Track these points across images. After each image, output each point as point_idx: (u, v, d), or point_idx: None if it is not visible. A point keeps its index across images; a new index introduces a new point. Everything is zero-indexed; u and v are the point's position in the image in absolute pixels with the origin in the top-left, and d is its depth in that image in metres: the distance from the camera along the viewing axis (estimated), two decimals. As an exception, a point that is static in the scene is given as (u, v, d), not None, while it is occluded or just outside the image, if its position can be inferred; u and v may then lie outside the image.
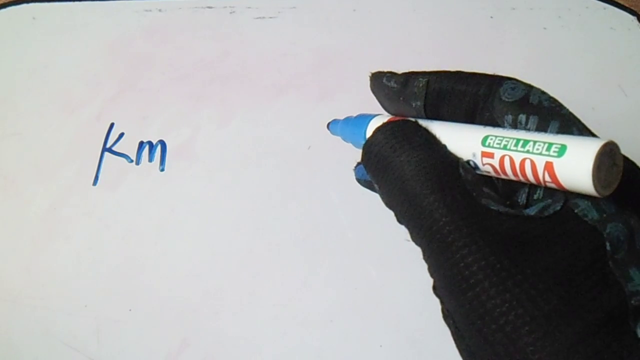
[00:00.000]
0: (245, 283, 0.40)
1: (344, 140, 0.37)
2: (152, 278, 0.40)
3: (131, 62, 0.50)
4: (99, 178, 0.44)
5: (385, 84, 0.28)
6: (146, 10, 0.53)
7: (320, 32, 0.52)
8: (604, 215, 0.22)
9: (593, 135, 0.23)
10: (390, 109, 0.30)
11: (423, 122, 0.27)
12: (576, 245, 0.22)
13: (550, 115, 0.24)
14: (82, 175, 0.44)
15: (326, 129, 0.38)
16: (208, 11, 0.54)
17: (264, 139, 0.46)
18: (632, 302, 0.21)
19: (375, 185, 0.28)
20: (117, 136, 0.46)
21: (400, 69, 0.29)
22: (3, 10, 0.53)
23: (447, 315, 0.25)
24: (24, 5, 0.54)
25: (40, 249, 0.41)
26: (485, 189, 0.24)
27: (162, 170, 0.45)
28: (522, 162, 0.22)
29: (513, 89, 0.25)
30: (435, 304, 0.28)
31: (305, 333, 0.38)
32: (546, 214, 0.23)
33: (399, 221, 0.26)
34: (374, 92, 0.30)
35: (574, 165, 0.21)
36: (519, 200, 0.25)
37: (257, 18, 0.53)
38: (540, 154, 0.22)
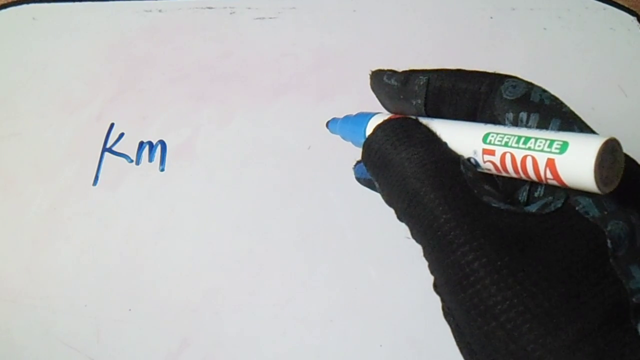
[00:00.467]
0: (245, 283, 0.40)
1: (344, 139, 0.37)
2: (152, 278, 0.40)
3: (131, 63, 0.50)
4: (99, 178, 0.44)
5: (386, 82, 0.28)
6: (146, 11, 0.53)
7: (320, 32, 0.52)
8: (605, 212, 0.22)
9: (594, 133, 0.23)
10: (391, 107, 0.30)
11: (423, 120, 0.27)
12: (577, 243, 0.22)
13: (551, 113, 0.24)
14: (82, 175, 0.44)
15: (326, 129, 0.38)
16: (208, 12, 0.54)
17: (264, 139, 0.46)
18: (634, 299, 0.21)
19: (376, 183, 0.28)
20: (117, 136, 0.46)
21: (400, 68, 0.29)
22: (3, 10, 0.53)
23: (448, 313, 0.25)
24: (24, 6, 0.54)
25: (40, 249, 0.41)
26: (487, 187, 0.24)
27: (162, 170, 0.45)
28: (524, 159, 0.22)
29: (514, 86, 0.25)
30: (434, 304, 0.28)
31: (305, 333, 0.38)
32: (547, 211, 0.23)
33: (399, 218, 0.26)
34: (374, 90, 0.30)
35: (575, 162, 0.21)
36: (520, 198, 0.25)
37: (257, 18, 0.53)
38: (542, 150, 0.22)
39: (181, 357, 0.38)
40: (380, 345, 0.38)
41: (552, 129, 0.23)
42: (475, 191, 0.23)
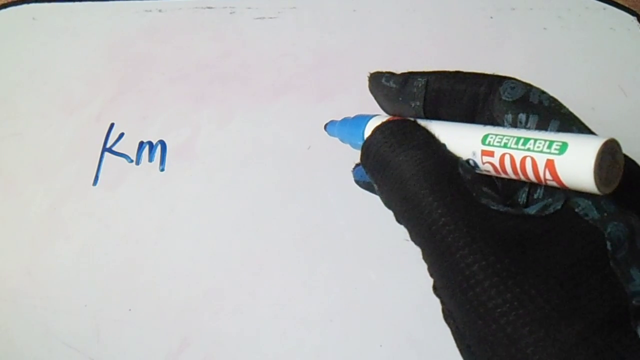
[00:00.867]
0: (245, 283, 0.40)
1: (342, 142, 0.37)
2: (152, 278, 0.40)
3: (131, 63, 0.50)
4: (99, 178, 0.44)
5: (384, 84, 0.28)
6: (146, 11, 0.53)
7: (320, 32, 0.52)
8: (605, 214, 0.22)
9: (593, 134, 0.23)
10: (389, 109, 0.30)
11: (422, 122, 0.27)
12: (577, 245, 0.22)
13: (550, 114, 0.24)
14: (82, 175, 0.44)
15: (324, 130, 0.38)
16: (208, 11, 0.54)
17: (264, 138, 0.46)
18: (634, 302, 0.21)
19: (375, 185, 0.28)
20: (117, 136, 0.46)
21: (400, 69, 0.28)
22: (3, 10, 0.53)
23: (448, 315, 0.25)
24: (24, 6, 0.54)
25: (40, 249, 0.41)
26: (485, 189, 0.24)
27: (162, 170, 0.45)
28: (523, 160, 0.22)
29: (513, 88, 0.25)
30: (434, 304, 0.28)
31: (305, 333, 0.38)
32: (547, 212, 0.23)
33: (398, 221, 0.26)
34: (372, 93, 0.30)
35: (575, 163, 0.21)
36: (519, 200, 0.25)
37: (257, 18, 0.53)
38: (541, 151, 0.22)
39: (181, 357, 0.38)
40: (380, 346, 0.38)
41: (551, 130, 0.23)
42: (474, 193, 0.23)
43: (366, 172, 0.28)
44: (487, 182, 0.25)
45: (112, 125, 0.46)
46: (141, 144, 0.46)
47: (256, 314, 0.39)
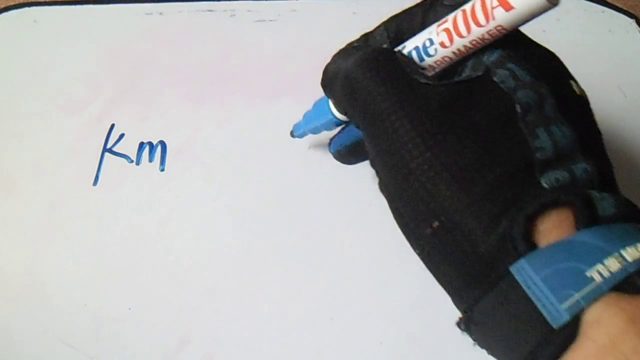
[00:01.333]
0: (245, 282, 0.40)
1: (314, 133, 0.38)
2: (151, 277, 0.40)
3: (132, 64, 0.50)
4: (99, 178, 0.44)
5: (354, 51, 0.31)
6: (147, 14, 0.54)
7: (320, 35, 0.52)
8: (519, 82, 0.25)
9: None
10: None
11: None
12: (491, 108, 0.25)
13: None
14: (83, 175, 0.44)
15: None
16: (208, 14, 0.54)
17: (264, 139, 0.46)
18: (538, 156, 0.24)
19: (331, 100, 0.33)
20: (117, 137, 0.46)
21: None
22: (5, 13, 0.53)
23: (381, 185, 0.28)
24: (26, 9, 0.54)
25: (40, 249, 0.41)
26: (419, 69, 0.27)
27: (162, 170, 0.45)
28: (472, 6, 0.25)
29: None
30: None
31: (305, 331, 0.38)
32: (468, 78, 0.26)
33: (354, 122, 0.30)
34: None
35: None
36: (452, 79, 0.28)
37: (257, 21, 0.54)
38: None
39: (180, 356, 0.38)
40: (381, 343, 0.38)
41: None
42: (408, 70, 0.27)
43: (325, 92, 0.32)
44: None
45: (112, 126, 0.47)
46: (141, 144, 0.46)
47: (256, 312, 0.39)
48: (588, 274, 0.21)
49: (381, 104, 0.26)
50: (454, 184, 0.24)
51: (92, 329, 0.38)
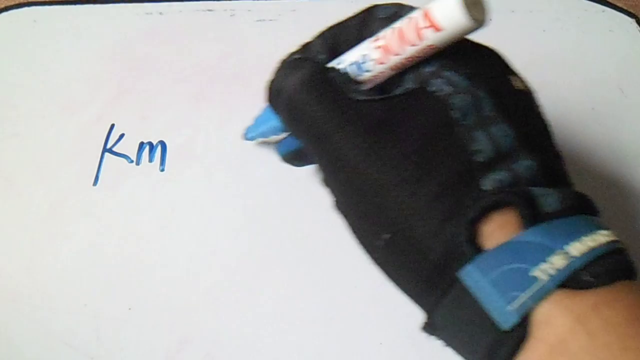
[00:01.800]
0: (245, 282, 0.40)
1: (263, 137, 0.39)
2: (151, 277, 0.40)
3: (132, 64, 0.50)
4: (99, 178, 0.44)
5: (287, 60, 0.32)
6: (147, 13, 0.54)
7: (320, 34, 0.52)
8: (454, 89, 0.26)
9: None
10: None
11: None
12: (426, 118, 0.26)
13: None
14: (83, 175, 0.44)
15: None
16: (208, 14, 0.54)
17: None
18: (478, 158, 0.24)
19: (277, 113, 0.32)
20: (117, 137, 0.46)
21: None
22: (4, 13, 0.53)
23: (335, 205, 0.29)
24: (25, 9, 0.54)
25: (40, 249, 0.41)
26: (355, 86, 0.28)
27: (162, 170, 0.45)
28: (407, 23, 0.26)
29: (385, 8, 0.30)
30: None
31: (305, 331, 0.38)
32: (403, 91, 0.27)
33: (297, 136, 0.31)
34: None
35: (445, 4, 0.24)
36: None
37: (258, 21, 0.54)
38: (417, 14, 0.26)
39: (181, 356, 0.38)
40: (381, 343, 0.38)
41: None
42: (344, 89, 0.28)
43: (268, 104, 0.32)
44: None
45: (112, 126, 0.47)
46: (141, 144, 0.46)
47: (256, 312, 0.39)
48: (532, 273, 0.21)
49: (322, 126, 0.27)
50: (399, 196, 0.24)
51: (92, 329, 0.38)
